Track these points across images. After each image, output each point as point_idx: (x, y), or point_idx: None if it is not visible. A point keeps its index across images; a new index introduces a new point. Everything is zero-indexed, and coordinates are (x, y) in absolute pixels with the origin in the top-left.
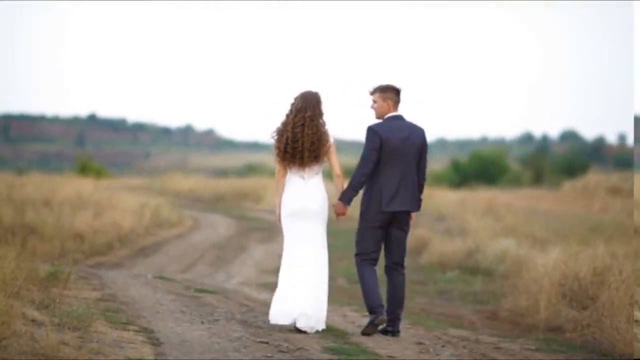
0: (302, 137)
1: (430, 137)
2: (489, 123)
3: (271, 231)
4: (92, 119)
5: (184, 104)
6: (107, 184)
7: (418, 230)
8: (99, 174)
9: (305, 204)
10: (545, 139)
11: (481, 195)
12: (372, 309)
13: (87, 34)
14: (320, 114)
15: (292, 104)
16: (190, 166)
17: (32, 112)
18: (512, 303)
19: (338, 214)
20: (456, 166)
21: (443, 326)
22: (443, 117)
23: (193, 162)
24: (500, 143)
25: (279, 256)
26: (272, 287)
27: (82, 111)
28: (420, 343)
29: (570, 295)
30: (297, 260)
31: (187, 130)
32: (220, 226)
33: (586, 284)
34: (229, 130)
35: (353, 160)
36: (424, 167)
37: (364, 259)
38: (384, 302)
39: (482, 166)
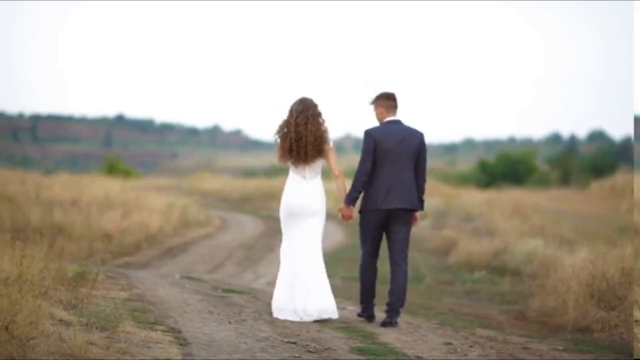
0: (305, 134)
1: (458, 137)
2: (516, 123)
3: None
4: (120, 119)
5: (212, 105)
6: (134, 184)
7: (445, 230)
8: (126, 174)
9: (306, 203)
10: (573, 139)
11: (509, 196)
12: (362, 305)
13: (116, 35)
14: (320, 114)
15: (292, 109)
16: (217, 166)
17: (60, 113)
18: (539, 303)
19: (344, 217)
20: (484, 166)
21: (471, 326)
22: (471, 118)
23: (220, 162)
24: (528, 143)
25: None
26: None
27: (110, 111)
28: (448, 343)
29: (598, 295)
30: (297, 257)
31: (215, 131)
32: (247, 226)
33: (614, 284)
34: (256, 130)
35: None
36: (423, 168)
37: (365, 254)
38: (387, 296)
39: (509, 166)
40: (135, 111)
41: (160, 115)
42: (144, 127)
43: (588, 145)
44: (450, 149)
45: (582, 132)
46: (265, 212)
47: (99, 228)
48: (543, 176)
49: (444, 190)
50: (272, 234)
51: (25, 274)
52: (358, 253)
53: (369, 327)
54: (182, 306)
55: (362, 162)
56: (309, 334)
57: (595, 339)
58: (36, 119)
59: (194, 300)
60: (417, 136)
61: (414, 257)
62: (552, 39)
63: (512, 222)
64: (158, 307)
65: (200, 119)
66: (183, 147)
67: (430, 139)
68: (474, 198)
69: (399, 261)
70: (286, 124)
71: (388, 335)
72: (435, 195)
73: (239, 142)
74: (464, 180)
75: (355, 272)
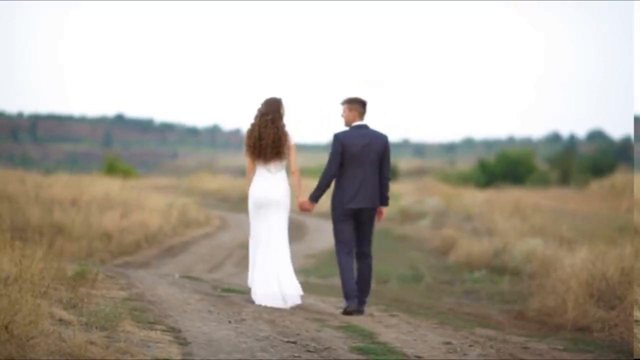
0: (265, 136)
1: (458, 137)
2: (516, 123)
3: (298, 231)
4: (120, 119)
5: (211, 104)
6: (134, 184)
7: (445, 230)
8: (126, 173)
9: (270, 194)
10: (572, 139)
11: (508, 195)
12: (347, 295)
13: (116, 35)
14: (281, 117)
15: (258, 109)
16: (217, 166)
17: (60, 112)
18: (539, 303)
19: (302, 209)
20: (483, 166)
21: (470, 326)
22: (471, 118)
23: (220, 161)
24: (527, 143)
25: (306, 256)
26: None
27: (110, 111)
28: (447, 343)
29: (597, 295)
30: (263, 245)
31: (215, 130)
32: (247, 226)
33: (614, 283)
34: None
35: None
36: (388, 168)
37: (340, 248)
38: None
39: (509, 166)
40: (135, 111)
41: (160, 115)
42: (144, 126)
43: (588, 145)
44: (450, 149)
45: (581, 132)
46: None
47: (98, 228)
48: (543, 176)
49: (444, 190)
50: None
51: (25, 273)
52: None
53: (369, 327)
54: (182, 306)
55: (329, 164)
56: (309, 333)
57: (595, 338)
58: (36, 119)
59: (194, 300)
60: (382, 139)
61: (414, 256)
62: (552, 39)
63: (511, 222)
64: (158, 307)
65: (200, 119)
66: (183, 146)
67: (430, 138)
68: (474, 198)
69: (364, 254)
70: (254, 121)
71: (388, 335)
72: (435, 195)
73: (239, 141)
74: (463, 179)
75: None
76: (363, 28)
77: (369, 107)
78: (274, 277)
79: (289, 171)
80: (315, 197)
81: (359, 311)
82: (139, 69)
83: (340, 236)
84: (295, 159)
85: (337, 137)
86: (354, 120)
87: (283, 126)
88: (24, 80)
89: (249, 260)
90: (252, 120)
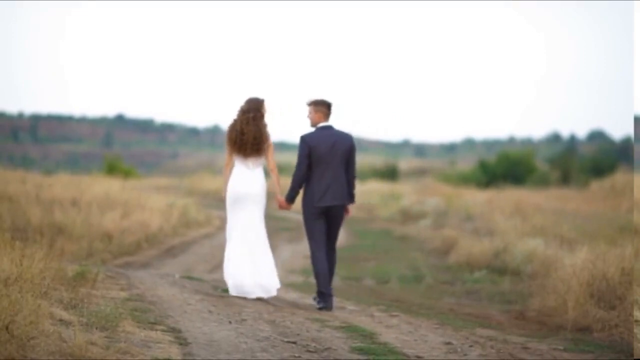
0: (247, 131)
1: (458, 137)
2: (516, 123)
3: (298, 231)
4: (120, 119)
5: (212, 105)
6: (134, 184)
7: (445, 230)
8: (126, 174)
9: (248, 189)
10: (572, 139)
11: (509, 195)
12: (320, 293)
13: (116, 35)
14: (262, 116)
15: (241, 107)
16: (218, 166)
17: (60, 113)
18: (539, 303)
19: (281, 208)
20: (484, 166)
21: (471, 326)
22: (471, 118)
23: (220, 162)
24: (528, 143)
25: (306, 256)
26: (299, 287)
27: (110, 111)
28: (448, 343)
29: (598, 295)
30: (238, 239)
31: (215, 131)
32: None
33: (614, 284)
34: None
35: (375, 159)
36: (353, 167)
37: (315, 247)
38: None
39: (509, 166)
40: (135, 111)
41: (161, 115)
42: (144, 127)
43: (588, 145)
44: (450, 149)
45: (582, 132)
46: (265, 211)
47: (99, 228)
48: (543, 176)
49: (444, 190)
50: (272, 233)
51: (25, 273)
52: (358, 253)
53: (369, 327)
54: (182, 306)
55: (298, 165)
56: (309, 333)
57: (595, 338)
58: (36, 119)
59: (194, 300)
60: (347, 139)
61: (415, 256)
62: (552, 39)
63: (512, 222)
64: (158, 307)
65: (200, 119)
66: (183, 147)
67: (430, 138)
68: (474, 198)
69: (331, 248)
70: (237, 118)
71: (388, 335)
72: (435, 195)
73: None
74: (464, 180)
75: (356, 272)
76: (363, 28)
77: (368, 107)
78: (250, 269)
79: (266, 169)
80: (291, 197)
81: (327, 307)
82: (139, 69)
83: (313, 235)
84: (273, 158)
85: (304, 140)
86: (320, 122)
87: (264, 125)
88: (24, 80)
89: (225, 254)
90: (234, 118)
